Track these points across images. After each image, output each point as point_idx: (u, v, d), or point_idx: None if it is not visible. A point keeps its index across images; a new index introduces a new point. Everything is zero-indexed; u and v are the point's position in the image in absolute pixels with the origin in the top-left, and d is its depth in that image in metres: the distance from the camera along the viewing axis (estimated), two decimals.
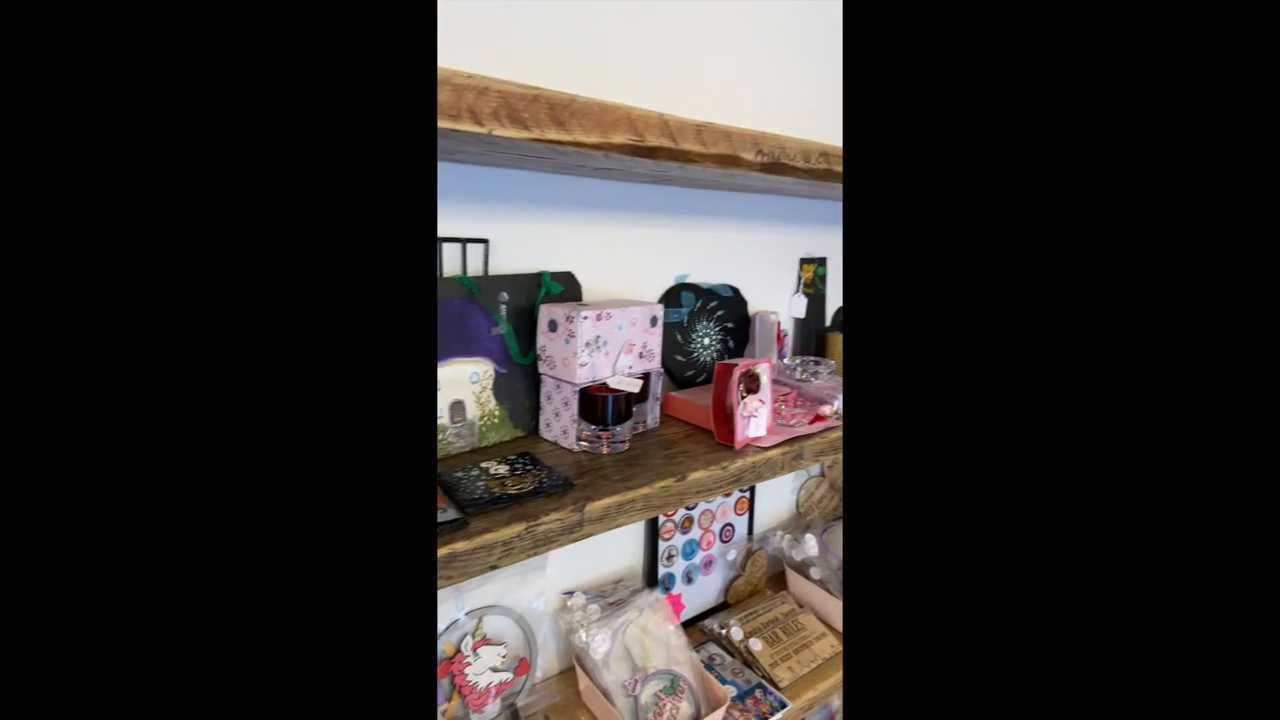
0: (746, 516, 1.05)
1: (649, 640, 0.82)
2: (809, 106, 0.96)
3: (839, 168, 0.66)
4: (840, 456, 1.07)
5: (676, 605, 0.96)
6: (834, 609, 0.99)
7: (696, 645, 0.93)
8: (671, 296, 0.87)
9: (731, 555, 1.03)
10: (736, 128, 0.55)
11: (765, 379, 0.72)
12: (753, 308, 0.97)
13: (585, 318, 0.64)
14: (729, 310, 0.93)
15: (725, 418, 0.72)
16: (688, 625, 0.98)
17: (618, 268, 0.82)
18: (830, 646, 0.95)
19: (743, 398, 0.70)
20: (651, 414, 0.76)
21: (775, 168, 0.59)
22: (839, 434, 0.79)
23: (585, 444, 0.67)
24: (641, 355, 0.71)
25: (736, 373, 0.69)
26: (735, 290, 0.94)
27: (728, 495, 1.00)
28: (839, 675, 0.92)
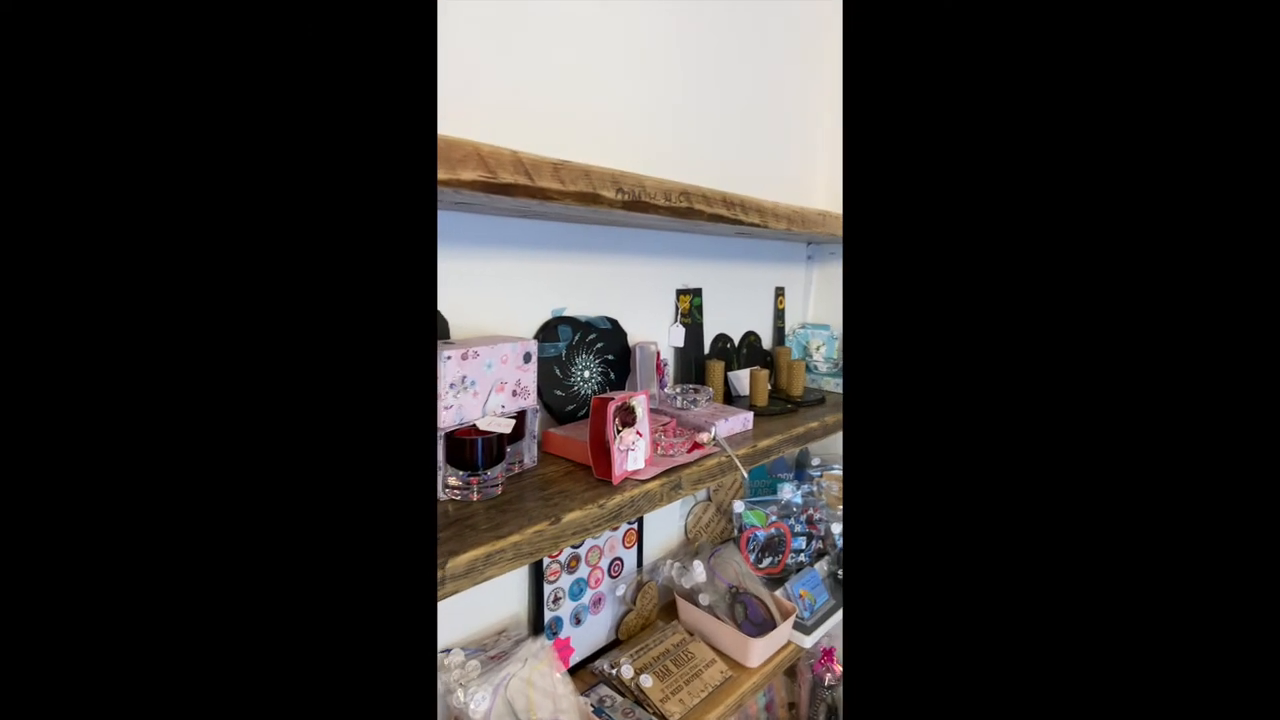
0: (635, 549, 1.05)
1: (534, 692, 0.78)
2: (671, 146, 1.01)
3: (700, 205, 0.68)
4: (719, 483, 1.10)
5: (564, 651, 0.93)
6: (723, 633, 1.00)
7: (586, 689, 0.89)
8: (549, 330, 0.85)
9: (621, 590, 1.01)
10: (595, 166, 0.55)
11: (641, 411, 0.73)
12: (632, 339, 0.98)
13: (448, 358, 0.60)
14: (609, 342, 0.93)
15: (604, 452, 0.71)
16: (578, 668, 0.95)
17: (491, 303, 0.79)
18: (720, 673, 0.96)
19: (619, 431, 0.70)
20: (529, 453, 0.74)
21: (636, 205, 0.60)
22: (716, 460, 0.80)
23: (454, 492, 0.63)
24: (515, 393, 0.69)
25: (611, 407, 0.69)
26: (614, 322, 0.94)
27: (614, 530, 0.99)
28: (730, 700, 0.92)
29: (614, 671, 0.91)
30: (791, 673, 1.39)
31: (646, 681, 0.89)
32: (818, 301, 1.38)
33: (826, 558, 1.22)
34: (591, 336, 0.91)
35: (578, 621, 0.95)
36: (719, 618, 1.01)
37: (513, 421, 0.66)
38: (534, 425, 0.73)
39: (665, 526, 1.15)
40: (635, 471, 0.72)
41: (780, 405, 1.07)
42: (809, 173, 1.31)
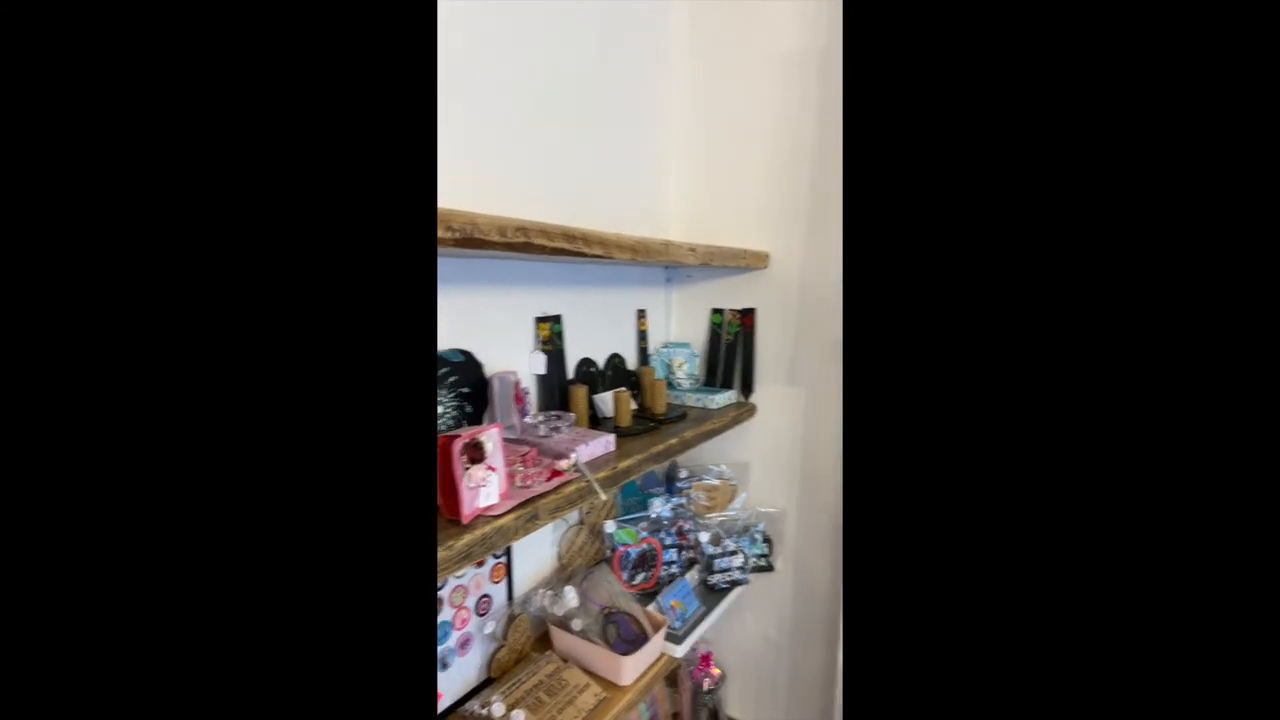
0: (504, 583, 1.03)
1: None
2: (508, 184, 1.02)
3: (539, 240, 0.70)
4: (590, 505, 1.12)
5: None
6: (595, 656, 1.01)
7: None
8: None
9: (490, 628, 0.99)
10: None
11: (491, 445, 0.72)
12: (490, 369, 0.97)
13: None
14: (463, 375, 0.91)
15: (452, 492, 0.69)
16: (448, 713, 0.91)
17: None
18: (594, 695, 0.97)
19: (467, 469, 0.69)
20: None
21: (469, 242, 0.60)
22: (576, 486, 0.82)
23: None
24: None
25: (457, 445, 0.68)
26: (468, 354, 0.93)
27: (479, 567, 0.96)
28: None
29: (484, 712, 0.89)
30: (673, 681, 1.43)
31: (518, 717, 0.88)
32: (678, 321, 1.45)
33: (696, 566, 1.28)
34: (444, 370, 0.88)
35: (444, 666, 0.91)
36: (591, 640, 1.02)
37: None
38: None
39: (537, 555, 1.14)
40: (489, 507, 0.71)
41: (644, 424, 1.11)
42: (662, 203, 1.38)
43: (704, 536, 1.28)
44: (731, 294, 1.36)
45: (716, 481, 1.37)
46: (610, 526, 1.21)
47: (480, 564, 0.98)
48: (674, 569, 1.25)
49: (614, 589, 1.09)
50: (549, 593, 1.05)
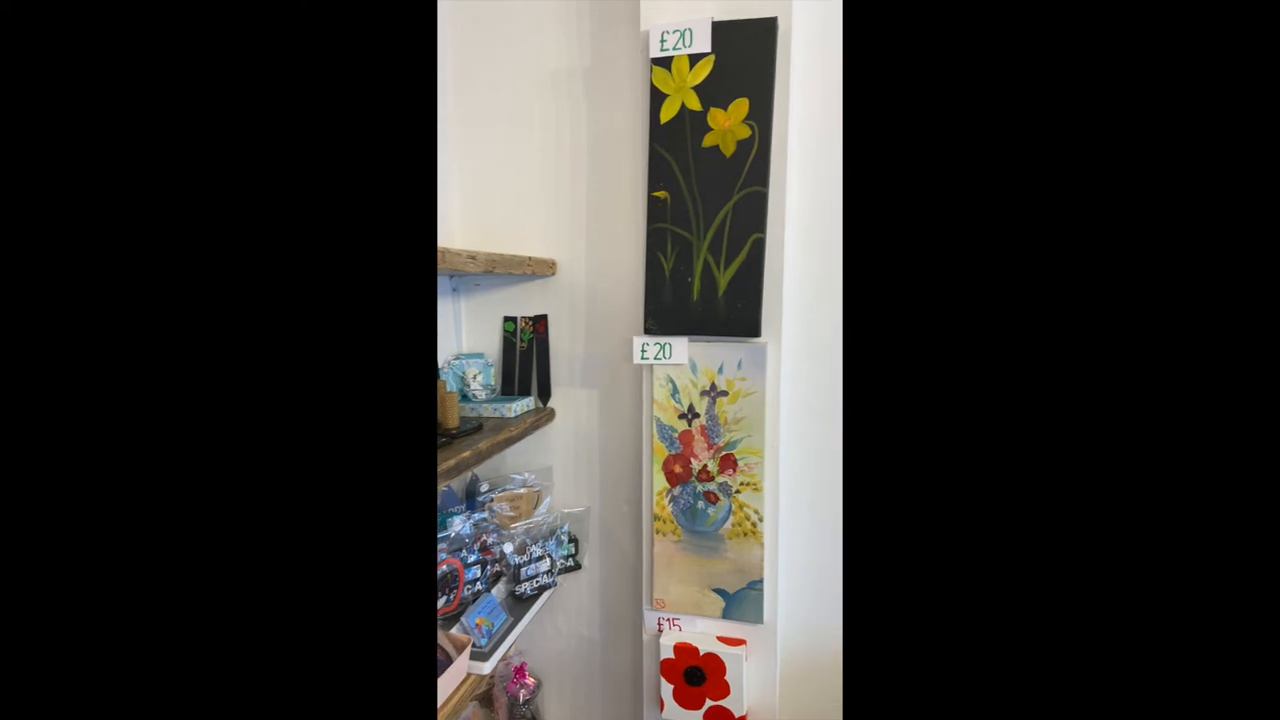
0: None
1: None
2: None
3: None
4: None
5: None
6: None
7: None
8: None
9: None
10: None
11: None
12: None
13: None
14: None
15: None
16: None
17: None
18: None
19: None
20: None
21: None
22: None
23: None
24: None
25: None
26: None
27: None
28: None
29: None
30: (488, 700, 1.38)
31: None
32: (470, 332, 1.42)
33: (503, 579, 1.25)
34: None
35: None
36: None
37: None
38: None
39: None
40: None
41: (435, 440, 1.06)
42: (445, 220, 1.34)
43: (509, 548, 1.26)
44: (523, 302, 1.37)
45: (520, 490, 1.36)
46: None
47: None
48: (478, 586, 1.21)
49: None
50: None
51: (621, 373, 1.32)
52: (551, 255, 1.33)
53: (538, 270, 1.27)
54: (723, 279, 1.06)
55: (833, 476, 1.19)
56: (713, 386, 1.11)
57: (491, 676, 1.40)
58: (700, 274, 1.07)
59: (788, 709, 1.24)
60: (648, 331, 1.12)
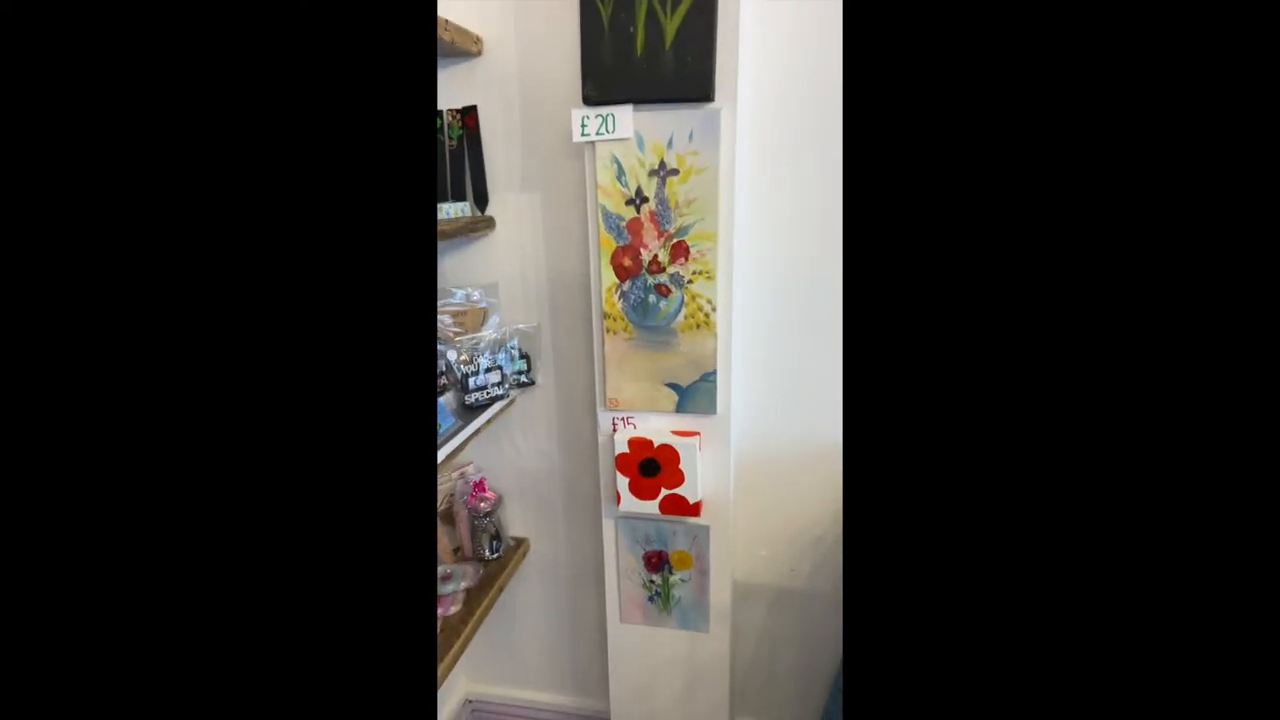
0: None
1: None
2: None
3: None
4: None
5: None
6: None
7: None
8: None
9: None
10: None
11: None
12: None
13: None
14: None
15: None
16: None
17: None
18: None
19: None
20: None
21: None
22: None
23: None
24: None
25: None
26: None
27: None
28: None
29: None
30: (449, 519, 1.40)
31: None
32: None
33: (452, 391, 1.21)
34: None
35: None
36: None
37: None
38: None
39: None
40: None
41: None
42: None
43: (452, 355, 1.20)
44: (447, 92, 1.21)
45: (464, 305, 1.28)
46: None
47: None
48: None
49: None
50: None
51: (563, 171, 1.21)
52: (476, 30, 1.15)
53: (458, 41, 1.10)
54: (669, 25, 0.93)
55: (792, 258, 1.15)
56: (662, 165, 1.01)
57: (450, 494, 1.40)
58: (644, 23, 0.93)
59: (742, 496, 1.29)
60: (586, 101, 1.00)
